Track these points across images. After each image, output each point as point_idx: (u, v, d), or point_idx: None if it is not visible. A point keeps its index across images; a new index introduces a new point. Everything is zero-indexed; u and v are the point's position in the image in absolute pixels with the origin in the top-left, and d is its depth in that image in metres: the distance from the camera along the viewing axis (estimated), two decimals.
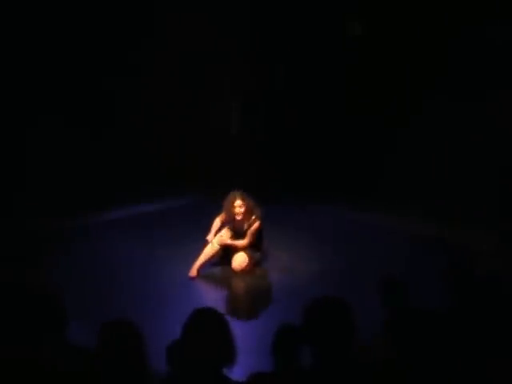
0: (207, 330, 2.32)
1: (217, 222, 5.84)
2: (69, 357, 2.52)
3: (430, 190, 7.74)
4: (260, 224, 5.70)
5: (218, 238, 5.73)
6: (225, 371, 2.32)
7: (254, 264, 5.77)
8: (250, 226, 5.68)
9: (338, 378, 2.27)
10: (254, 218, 5.68)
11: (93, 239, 6.63)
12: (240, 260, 5.70)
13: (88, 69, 7.86)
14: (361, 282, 5.30)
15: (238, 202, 5.56)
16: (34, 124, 7.46)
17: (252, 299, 5.50)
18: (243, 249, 5.72)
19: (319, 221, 7.54)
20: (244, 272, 5.68)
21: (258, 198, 5.87)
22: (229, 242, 5.73)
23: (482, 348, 2.77)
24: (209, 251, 5.74)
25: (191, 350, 2.30)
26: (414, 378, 2.43)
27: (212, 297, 5.56)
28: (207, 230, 6.00)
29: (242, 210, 5.57)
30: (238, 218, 5.63)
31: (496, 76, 7.27)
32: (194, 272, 5.70)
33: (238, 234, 5.76)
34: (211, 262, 5.88)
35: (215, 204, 6.20)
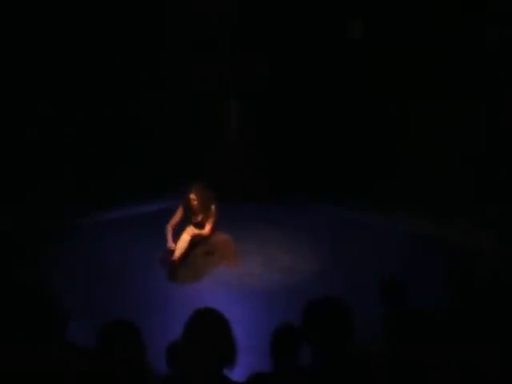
0: (207, 330, 2.32)
1: (180, 210, 6.25)
2: (69, 357, 2.52)
3: (430, 190, 7.75)
4: (215, 216, 6.28)
5: (188, 230, 6.19)
6: (225, 371, 2.32)
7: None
8: (207, 217, 6.23)
9: (338, 378, 2.27)
10: (211, 209, 6.23)
11: (92, 239, 6.62)
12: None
13: (93, 72, 7.88)
14: (361, 282, 5.30)
15: (192, 196, 6.13)
16: (34, 123, 7.46)
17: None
18: (209, 234, 6.28)
19: (320, 221, 7.54)
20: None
21: (258, 198, 5.84)
22: (196, 232, 6.23)
23: (482, 347, 2.78)
24: (183, 244, 6.00)
25: (191, 350, 2.30)
26: (413, 377, 2.44)
27: (212, 297, 5.56)
28: None
29: (195, 202, 6.13)
30: (193, 208, 6.20)
31: (496, 76, 7.28)
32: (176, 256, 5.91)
33: (196, 223, 6.27)
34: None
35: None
